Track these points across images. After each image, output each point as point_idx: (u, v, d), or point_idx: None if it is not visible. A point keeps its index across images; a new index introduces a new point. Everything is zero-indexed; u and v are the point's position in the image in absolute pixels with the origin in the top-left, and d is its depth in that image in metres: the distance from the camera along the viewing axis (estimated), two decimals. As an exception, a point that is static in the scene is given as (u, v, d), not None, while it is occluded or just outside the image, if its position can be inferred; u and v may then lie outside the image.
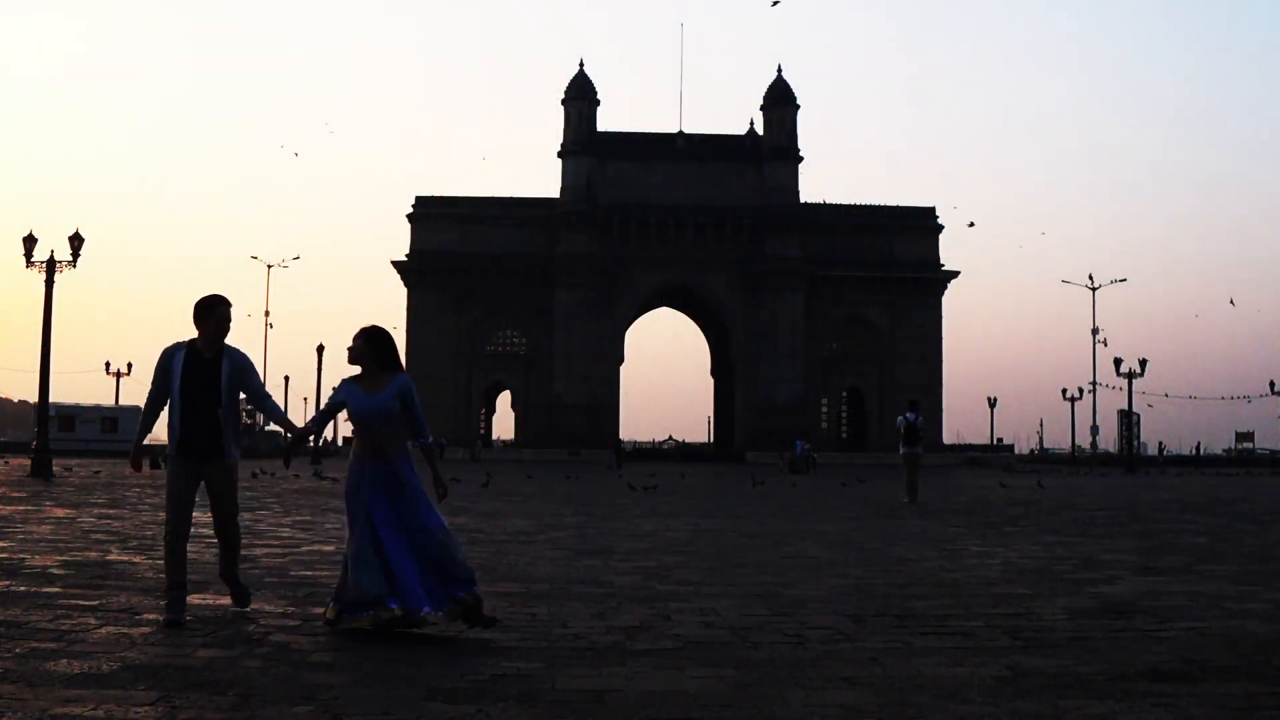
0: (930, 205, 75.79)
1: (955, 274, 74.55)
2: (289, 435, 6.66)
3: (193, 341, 6.22)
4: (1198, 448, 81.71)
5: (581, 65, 73.48)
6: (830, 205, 74.35)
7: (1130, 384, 55.63)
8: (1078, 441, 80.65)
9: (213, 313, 6.20)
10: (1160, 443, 76.37)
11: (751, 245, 71.03)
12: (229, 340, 6.32)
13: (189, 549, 6.30)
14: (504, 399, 75.50)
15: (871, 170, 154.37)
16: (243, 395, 6.34)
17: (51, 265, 27.50)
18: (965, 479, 36.85)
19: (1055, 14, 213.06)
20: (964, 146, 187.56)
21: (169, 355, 6.17)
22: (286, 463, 6.98)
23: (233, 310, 6.30)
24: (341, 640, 5.57)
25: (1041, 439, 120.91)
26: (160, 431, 6.32)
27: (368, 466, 5.94)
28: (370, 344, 6.05)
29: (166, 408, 6.20)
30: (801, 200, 72.66)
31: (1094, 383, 64.59)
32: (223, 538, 6.37)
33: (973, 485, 30.66)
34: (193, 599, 6.77)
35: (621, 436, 67.11)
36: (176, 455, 6.10)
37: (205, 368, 6.13)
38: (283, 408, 6.73)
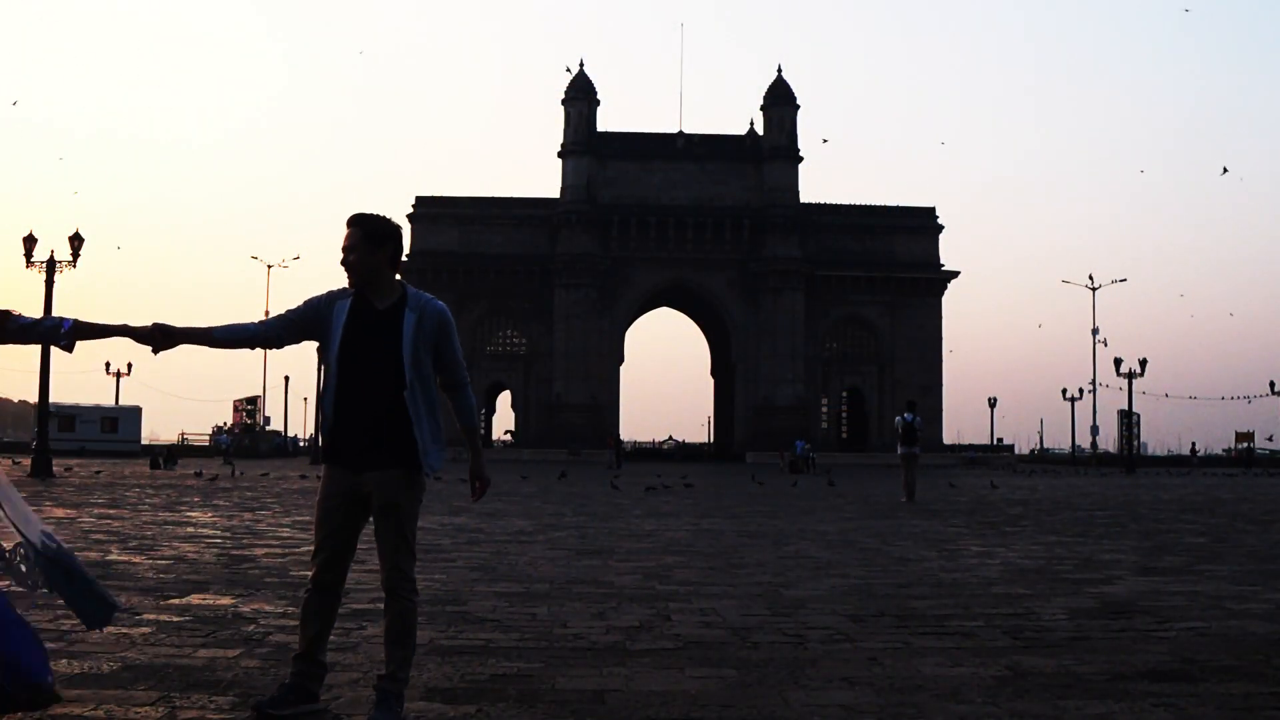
0: (930, 205, 75.92)
1: (955, 274, 74.64)
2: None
3: (361, 289, 4.05)
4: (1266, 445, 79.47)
5: (581, 65, 73.55)
6: (830, 205, 74.37)
7: (1130, 384, 55.64)
8: (1078, 441, 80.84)
9: (385, 244, 4.04)
10: (1194, 443, 75.96)
11: (751, 245, 71.01)
12: None
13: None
14: (504, 399, 75.50)
15: (871, 170, 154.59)
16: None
17: (51, 265, 27.53)
18: (939, 478, 36.80)
19: (1056, 14, 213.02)
20: (964, 146, 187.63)
21: (326, 302, 4.07)
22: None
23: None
24: (341, 640, 5.57)
25: (1041, 439, 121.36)
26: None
27: None
28: None
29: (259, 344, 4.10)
30: (801, 200, 72.65)
31: (1094, 383, 64.76)
32: (390, 607, 4.01)
33: (927, 483, 30.66)
34: (192, 599, 6.77)
35: (621, 436, 67.13)
36: (328, 462, 4.11)
37: (380, 323, 4.02)
38: (421, 414, 4.05)
